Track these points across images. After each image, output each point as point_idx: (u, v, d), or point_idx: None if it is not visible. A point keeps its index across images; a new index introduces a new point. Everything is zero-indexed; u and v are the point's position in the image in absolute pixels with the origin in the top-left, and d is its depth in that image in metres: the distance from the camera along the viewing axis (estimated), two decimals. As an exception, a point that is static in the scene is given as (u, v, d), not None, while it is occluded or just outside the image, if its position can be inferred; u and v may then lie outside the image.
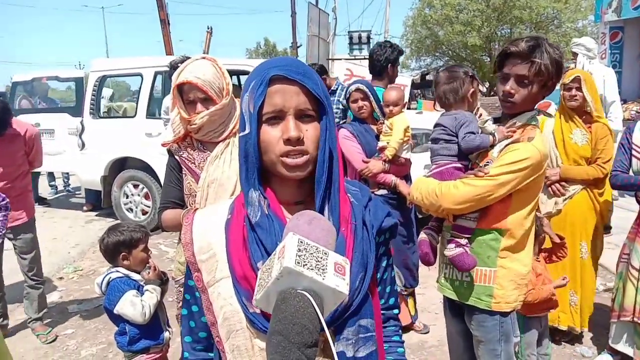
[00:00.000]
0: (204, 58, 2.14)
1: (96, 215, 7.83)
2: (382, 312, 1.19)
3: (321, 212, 1.03)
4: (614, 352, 3.16)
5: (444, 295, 2.27)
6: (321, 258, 0.90)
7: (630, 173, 2.90)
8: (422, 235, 2.21)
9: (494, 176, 1.90)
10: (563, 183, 3.22)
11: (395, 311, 1.25)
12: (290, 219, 0.98)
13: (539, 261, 2.83)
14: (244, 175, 1.06)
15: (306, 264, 0.87)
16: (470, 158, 2.12)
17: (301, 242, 0.90)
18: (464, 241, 2.01)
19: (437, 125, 2.19)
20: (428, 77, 13.29)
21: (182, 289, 2.20)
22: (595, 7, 12.70)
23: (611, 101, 5.10)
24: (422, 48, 26.84)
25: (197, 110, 2.07)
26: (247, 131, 1.02)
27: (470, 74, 2.23)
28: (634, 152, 2.85)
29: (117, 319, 2.50)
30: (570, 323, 3.36)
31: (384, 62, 3.89)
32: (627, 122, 3.25)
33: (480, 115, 2.33)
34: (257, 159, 1.03)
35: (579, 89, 3.15)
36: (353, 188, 1.16)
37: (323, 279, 0.88)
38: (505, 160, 1.92)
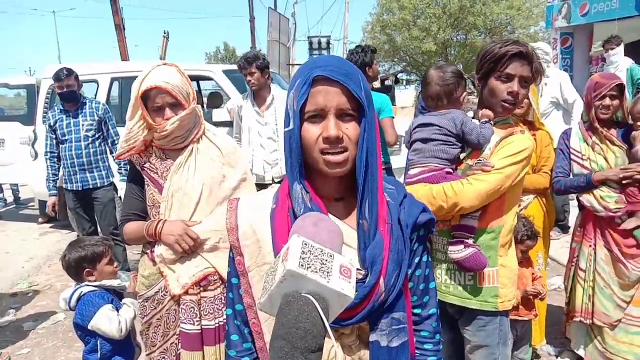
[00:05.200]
0: (165, 64, 2.08)
1: (51, 227, 7.53)
2: (415, 311, 1.24)
3: (361, 210, 1.09)
4: (573, 351, 3.24)
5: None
6: (326, 260, 0.89)
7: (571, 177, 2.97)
8: None
9: (501, 169, 1.91)
10: None
11: (432, 310, 1.25)
12: (296, 221, 1.00)
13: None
14: (289, 169, 1.11)
15: (310, 267, 0.86)
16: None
17: (305, 244, 0.88)
18: (471, 241, 1.98)
19: (426, 124, 2.12)
20: (387, 82, 13.45)
21: (145, 304, 2.13)
22: (546, 14, 13.18)
23: (573, 100, 5.22)
24: (381, 53, 27.21)
25: (167, 116, 2.01)
26: (291, 127, 1.08)
27: (462, 76, 2.21)
28: (572, 157, 2.92)
29: (89, 336, 2.40)
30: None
31: (360, 66, 4.00)
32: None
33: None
34: (300, 155, 1.08)
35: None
36: (389, 186, 1.20)
37: (328, 282, 0.86)
38: (506, 152, 1.94)
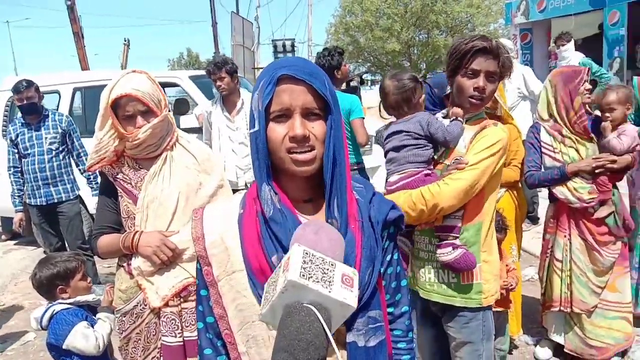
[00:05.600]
0: (134, 71, 2.04)
1: (15, 244, 7.26)
2: (388, 310, 1.23)
3: (329, 209, 1.08)
4: (550, 339, 3.30)
5: (418, 301, 2.24)
6: (328, 270, 0.87)
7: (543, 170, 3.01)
8: None
9: (476, 164, 1.92)
10: None
11: (405, 308, 1.25)
12: (297, 229, 0.98)
13: None
14: (256, 170, 1.09)
15: (312, 277, 0.85)
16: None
17: (306, 253, 0.87)
18: (457, 242, 1.98)
19: (395, 132, 2.14)
20: (352, 84, 13.52)
21: (124, 319, 2.07)
22: (505, 11, 13.52)
23: (539, 92, 5.33)
24: (345, 55, 27.32)
25: (138, 124, 1.95)
26: (256, 128, 1.06)
27: (418, 80, 2.23)
28: (544, 150, 2.95)
29: (64, 356, 2.31)
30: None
31: (328, 69, 4.03)
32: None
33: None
34: (267, 155, 1.06)
35: None
36: (358, 185, 1.19)
37: (330, 291, 0.85)
38: (480, 147, 1.95)
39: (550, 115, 2.94)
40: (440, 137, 2.03)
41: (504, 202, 3.23)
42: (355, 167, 4.18)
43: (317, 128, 1.05)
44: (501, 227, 2.85)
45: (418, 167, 2.06)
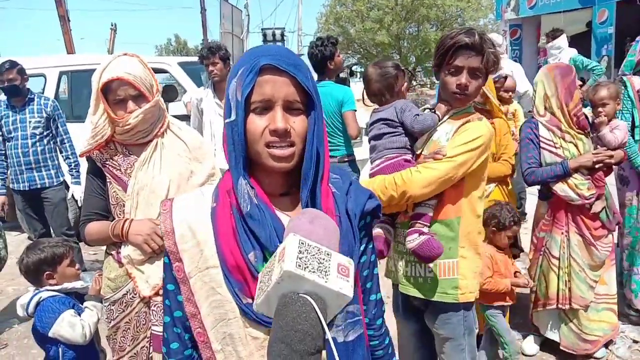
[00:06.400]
0: (125, 54, 1.99)
1: (-2, 230, 7.15)
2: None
3: (306, 205, 1.03)
4: (537, 333, 3.34)
5: (395, 296, 2.24)
6: (323, 259, 0.86)
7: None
8: (377, 230, 2.14)
9: (453, 157, 1.91)
10: None
11: (372, 297, 1.22)
12: (291, 219, 0.95)
13: (500, 252, 2.93)
14: (232, 163, 1.04)
15: (307, 267, 0.84)
16: (415, 149, 2.11)
17: (302, 243, 0.86)
18: (426, 229, 1.98)
19: (375, 121, 2.16)
20: (342, 75, 13.52)
21: (113, 307, 2.04)
22: (495, 6, 13.58)
23: (523, 92, 5.37)
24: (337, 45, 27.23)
25: (129, 109, 1.91)
26: (232, 118, 1.01)
27: (400, 68, 2.24)
28: (543, 146, 2.92)
29: (49, 343, 2.29)
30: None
31: (321, 60, 4.03)
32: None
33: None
34: (244, 148, 1.02)
35: None
36: (334, 176, 1.15)
37: (326, 281, 0.84)
38: (459, 140, 1.94)
39: (547, 110, 2.91)
40: (408, 124, 2.05)
41: (493, 196, 3.24)
42: (347, 159, 4.19)
43: (298, 123, 1.01)
44: (518, 219, 2.87)
45: (395, 152, 2.07)
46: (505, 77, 3.83)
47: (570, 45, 6.88)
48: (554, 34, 6.49)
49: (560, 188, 2.88)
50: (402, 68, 2.26)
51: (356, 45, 26.92)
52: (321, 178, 1.05)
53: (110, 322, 2.06)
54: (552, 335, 3.22)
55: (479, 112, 3.10)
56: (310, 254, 0.86)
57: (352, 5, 24.59)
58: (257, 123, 0.99)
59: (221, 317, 1.05)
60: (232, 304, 1.03)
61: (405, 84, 2.25)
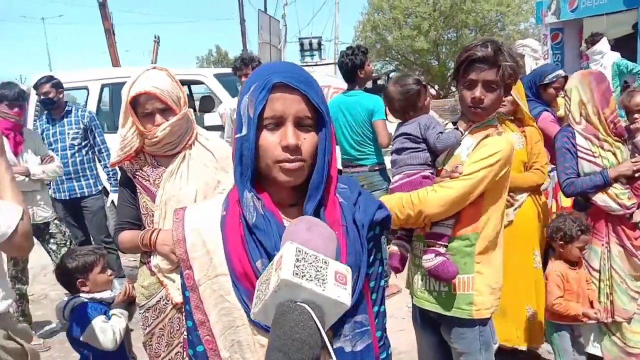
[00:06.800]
0: (154, 68, 2.05)
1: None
2: None
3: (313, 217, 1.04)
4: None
5: (413, 307, 2.22)
6: (321, 267, 0.87)
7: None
8: (393, 248, 2.14)
9: (469, 175, 1.89)
10: (511, 194, 3.04)
11: (375, 308, 1.21)
12: (289, 226, 0.96)
13: (573, 269, 2.80)
14: (238, 176, 1.07)
15: (305, 275, 0.84)
16: (436, 165, 2.09)
17: (299, 251, 0.86)
18: (442, 249, 1.96)
19: (398, 135, 2.16)
20: (379, 82, 13.48)
21: (147, 315, 2.10)
22: (535, 10, 13.25)
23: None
24: (372, 53, 27.19)
25: (157, 122, 1.97)
26: (244, 133, 1.04)
27: (422, 83, 2.22)
28: (581, 155, 2.82)
29: (82, 347, 2.37)
30: (530, 341, 3.24)
31: (352, 69, 4.07)
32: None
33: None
34: (252, 162, 1.04)
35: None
36: (342, 186, 1.16)
37: (323, 290, 0.84)
38: (476, 157, 1.91)
39: (582, 117, 2.82)
40: (431, 142, 2.03)
41: (526, 206, 3.16)
42: (377, 168, 4.19)
43: (308, 140, 1.03)
44: (586, 228, 2.73)
45: (415, 169, 2.05)
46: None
47: (615, 49, 6.66)
48: (593, 39, 6.30)
49: (600, 198, 2.78)
50: (424, 83, 2.24)
51: (394, 52, 26.79)
52: (328, 190, 1.07)
53: (145, 328, 2.12)
54: (594, 349, 3.09)
55: (508, 121, 3.07)
56: (308, 262, 0.86)
57: (389, 13, 24.51)
58: (269, 139, 1.02)
59: (229, 324, 1.08)
60: (241, 312, 1.05)
61: (428, 99, 2.23)
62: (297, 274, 0.83)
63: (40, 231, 3.95)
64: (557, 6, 11.76)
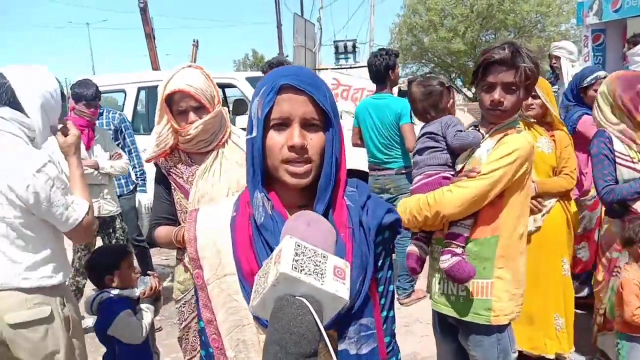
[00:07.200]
0: (190, 66, 2.09)
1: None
2: None
3: None
4: (603, 358, 3.12)
5: (433, 312, 2.20)
6: (320, 262, 0.87)
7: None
8: (412, 248, 2.13)
9: (487, 174, 1.87)
10: (539, 199, 2.99)
11: (384, 313, 1.19)
12: (288, 220, 0.98)
13: None
14: (250, 176, 1.09)
15: (303, 269, 0.84)
16: (456, 166, 2.07)
17: (298, 245, 0.87)
18: (459, 250, 1.93)
19: (421, 135, 2.15)
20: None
21: (183, 309, 2.16)
22: (576, 11, 12.87)
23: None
24: (408, 55, 26.98)
25: (190, 120, 2.01)
26: (254, 134, 1.06)
27: (446, 85, 2.20)
28: (619, 161, 2.70)
29: (108, 341, 2.44)
30: (558, 349, 3.14)
31: (383, 70, 4.10)
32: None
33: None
34: (261, 162, 1.06)
35: (536, 96, 2.93)
36: (350, 189, 1.16)
37: (322, 284, 0.84)
38: (494, 156, 1.89)
39: (616, 117, 2.71)
40: (449, 140, 2.02)
41: (555, 212, 3.07)
42: (404, 171, 4.17)
43: (315, 140, 1.05)
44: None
45: (435, 169, 2.03)
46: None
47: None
48: (634, 40, 6.06)
49: None
50: (448, 85, 2.22)
51: (430, 54, 26.53)
52: (336, 192, 1.08)
53: (181, 323, 2.17)
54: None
55: (541, 123, 3.00)
56: (307, 257, 0.86)
57: (425, 15, 24.29)
58: (275, 139, 1.04)
59: (236, 323, 1.09)
60: (247, 311, 1.06)
61: (451, 100, 2.21)
62: (295, 268, 0.84)
63: (107, 224, 4.12)
64: (599, 7, 11.40)
